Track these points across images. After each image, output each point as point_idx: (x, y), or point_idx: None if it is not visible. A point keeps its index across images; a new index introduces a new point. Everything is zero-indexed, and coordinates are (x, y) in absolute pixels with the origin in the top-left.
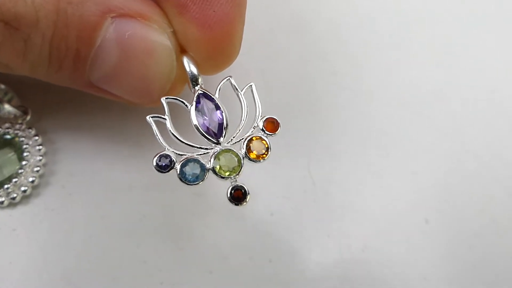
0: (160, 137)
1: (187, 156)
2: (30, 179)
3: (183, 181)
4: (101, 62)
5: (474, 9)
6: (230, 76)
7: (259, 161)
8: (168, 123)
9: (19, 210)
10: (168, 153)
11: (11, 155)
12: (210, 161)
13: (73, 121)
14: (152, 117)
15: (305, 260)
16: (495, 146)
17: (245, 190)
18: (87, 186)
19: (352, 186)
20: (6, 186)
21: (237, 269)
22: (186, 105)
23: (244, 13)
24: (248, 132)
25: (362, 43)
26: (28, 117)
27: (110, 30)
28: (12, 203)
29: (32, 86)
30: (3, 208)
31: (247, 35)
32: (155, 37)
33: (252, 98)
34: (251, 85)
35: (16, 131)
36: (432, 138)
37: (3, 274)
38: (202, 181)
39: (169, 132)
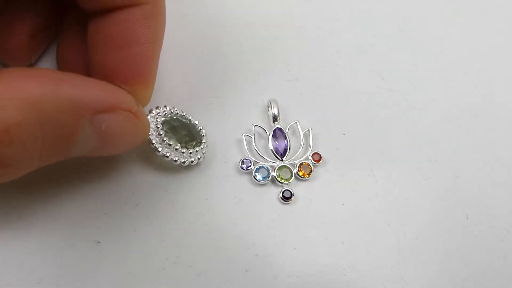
0: (246, 148)
1: (260, 163)
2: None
3: (255, 180)
4: (82, 147)
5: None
6: (298, 121)
7: (304, 178)
8: (253, 141)
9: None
10: (249, 159)
11: (197, 129)
12: (274, 170)
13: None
14: (244, 135)
15: (369, 246)
16: None
17: (291, 193)
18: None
19: (406, 185)
20: (196, 149)
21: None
22: (266, 132)
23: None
24: (302, 158)
25: (413, 65)
26: None
27: (87, 128)
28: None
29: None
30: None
31: (317, 56)
32: (125, 123)
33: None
34: (309, 129)
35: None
36: (470, 149)
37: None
38: (266, 182)
39: (253, 147)
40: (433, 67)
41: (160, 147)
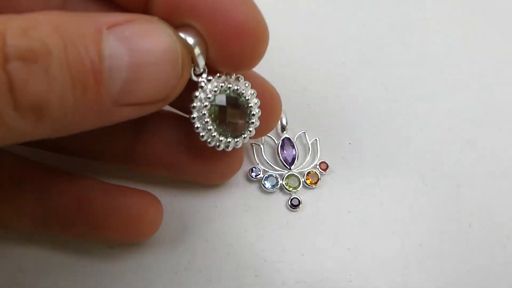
0: (255, 156)
1: (268, 172)
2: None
3: (264, 188)
4: (116, 70)
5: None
6: (305, 131)
7: (312, 186)
8: (262, 150)
9: None
10: (258, 168)
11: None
12: (282, 179)
13: None
14: (253, 144)
15: (374, 253)
16: None
17: (299, 201)
18: None
19: (410, 193)
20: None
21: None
22: (275, 142)
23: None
24: (309, 167)
25: (416, 78)
26: None
27: (111, 39)
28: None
29: None
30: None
31: (323, 68)
32: (148, 28)
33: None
34: (316, 139)
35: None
36: (472, 159)
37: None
38: (275, 190)
39: (262, 155)
40: (436, 78)
41: (200, 128)
